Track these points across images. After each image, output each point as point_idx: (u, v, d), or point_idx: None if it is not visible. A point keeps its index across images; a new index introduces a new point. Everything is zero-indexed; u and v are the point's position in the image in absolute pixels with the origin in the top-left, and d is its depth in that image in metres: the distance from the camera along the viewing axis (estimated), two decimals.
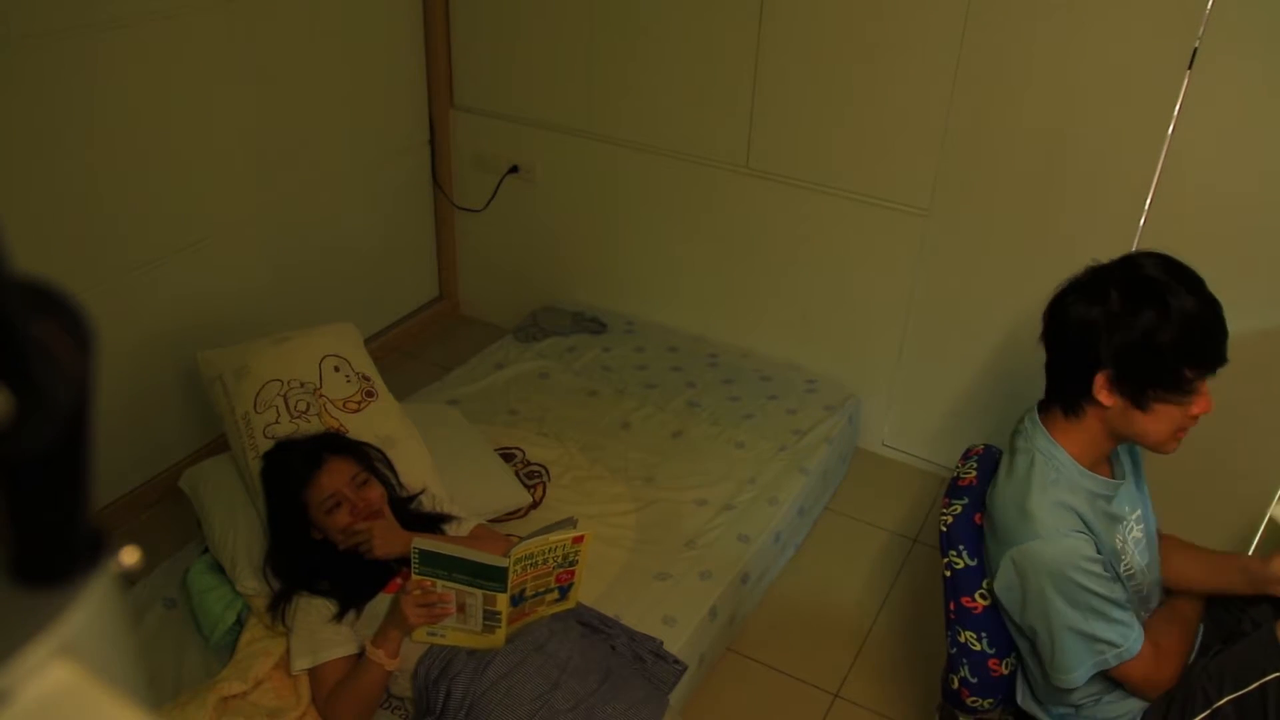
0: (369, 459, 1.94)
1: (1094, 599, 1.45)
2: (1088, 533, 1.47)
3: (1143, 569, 1.59)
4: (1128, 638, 1.46)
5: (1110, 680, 1.55)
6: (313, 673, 1.78)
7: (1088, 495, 1.50)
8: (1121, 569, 1.53)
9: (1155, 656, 1.50)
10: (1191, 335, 1.38)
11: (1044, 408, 1.56)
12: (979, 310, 2.59)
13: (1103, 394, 1.43)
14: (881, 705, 2.16)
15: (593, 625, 1.89)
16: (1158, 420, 1.43)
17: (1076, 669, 1.49)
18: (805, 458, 2.54)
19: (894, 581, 2.48)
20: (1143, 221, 2.30)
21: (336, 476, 1.83)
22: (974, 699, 1.66)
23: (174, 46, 2.32)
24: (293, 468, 1.86)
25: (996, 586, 1.55)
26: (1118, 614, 1.46)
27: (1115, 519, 1.55)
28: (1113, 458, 1.60)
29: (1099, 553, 1.47)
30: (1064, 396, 1.50)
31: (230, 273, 2.63)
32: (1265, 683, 1.40)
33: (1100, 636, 1.46)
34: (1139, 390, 1.41)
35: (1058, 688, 1.54)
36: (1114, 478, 1.56)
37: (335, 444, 1.92)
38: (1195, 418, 1.43)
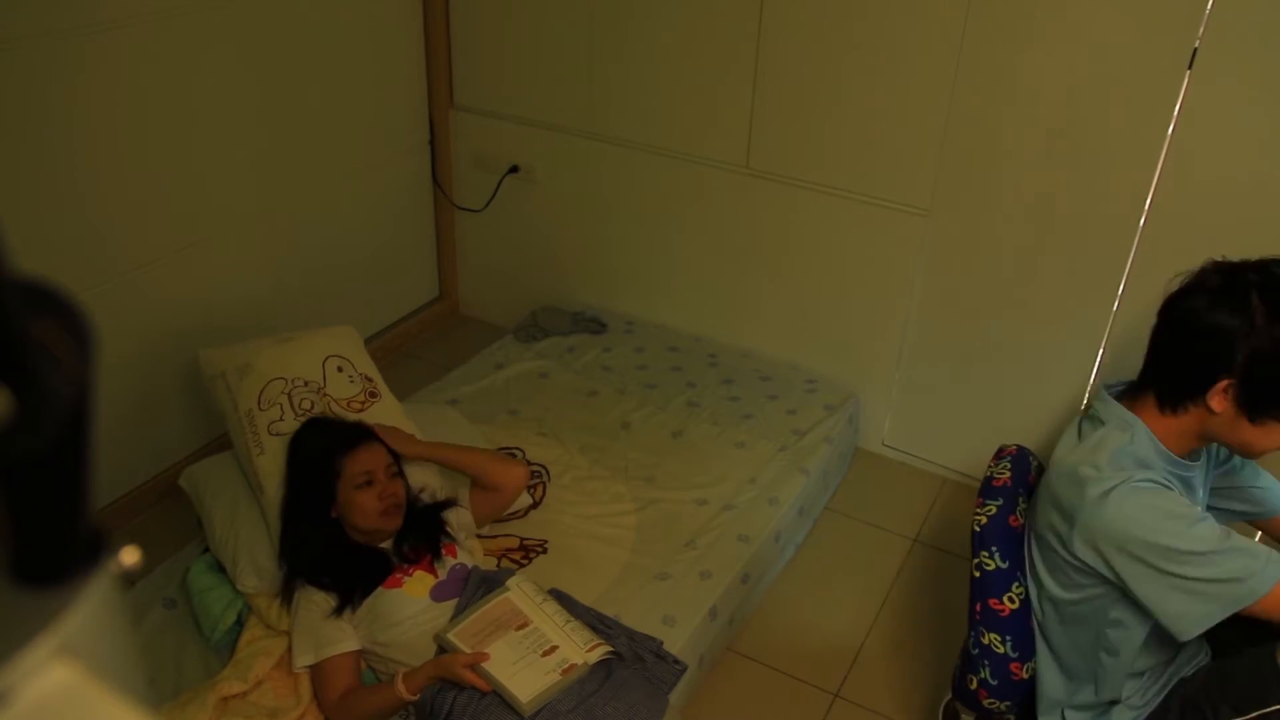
0: (398, 460, 1.97)
1: (1186, 535, 1.36)
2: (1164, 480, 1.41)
3: None
4: (1267, 557, 1.35)
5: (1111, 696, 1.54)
6: (315, 670, 1.78)
7: (1164, 464, 1.45)
8: None
9: None
10: None
11: (1135, 392, 1.50)
12: (979, 310, 2.59)
13: (1216, 399, 1.38)
14: (881, 705, 2.16)
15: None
16: (1265, 436, 1.39)
17: (1198, 621, 1.39)
18: (805, 458, 2.54)
19: (894, 581, 2.48)
20: (1143, 221, 2.30)
21: (376, 457, 1.88)
22: (991, 701, 1.65)
23: (174, 46, 2.32)
24: (335, 436, 1.91)
25: (1111, 566, 1.44)
26: (1230, 540, 1.36)
27: (1191, 489, 1.49)
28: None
29: (1175, 484, 1.39)
30: (1168, 391, 1.44)
31: (230, 273, 2.63)
32: (1267, 713, 1.40)
33: (1232, 573, 1.35)
34: (1256, 404, 1.37)
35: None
36: (1191, 460, 1.51)
37: (375, 433, 1.96)
38: None
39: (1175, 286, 1.44)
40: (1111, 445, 1.45)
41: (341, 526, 1.88)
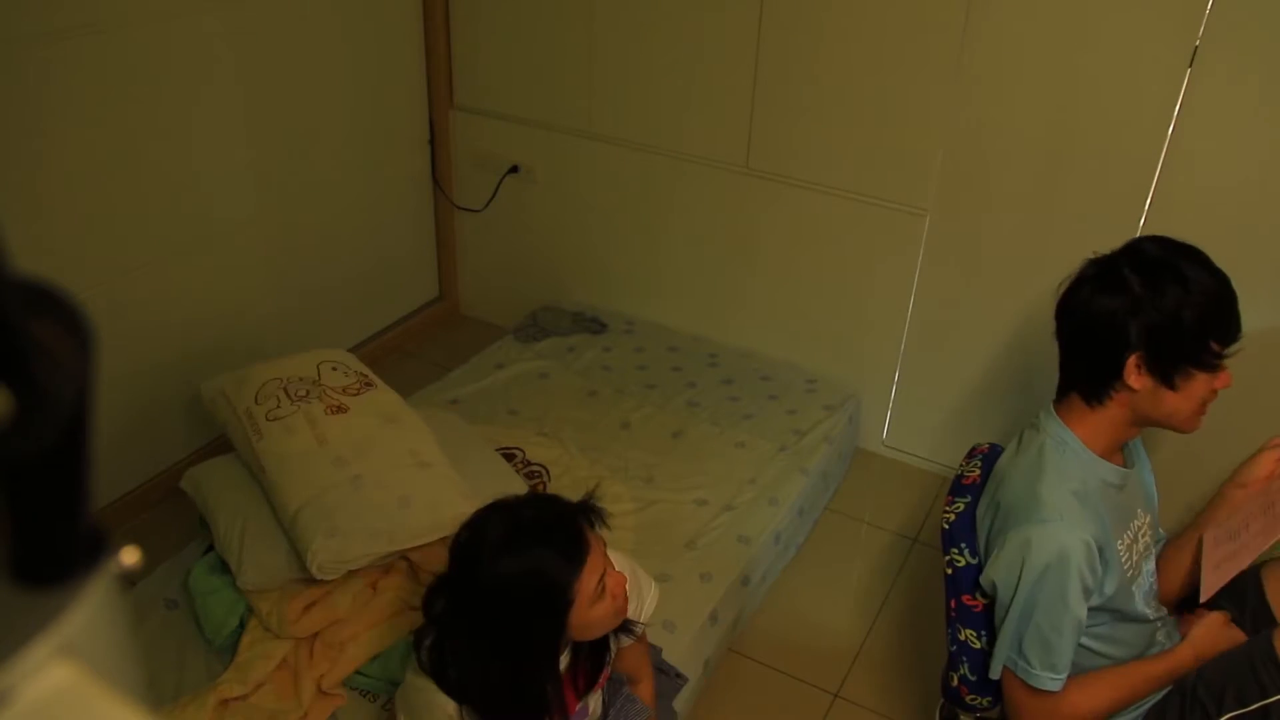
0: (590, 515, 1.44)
1: (1059, 607, 1.44)
2: (1095, 529, 1.46)
3: (1146, 572, 1.58)
4: (1050, 670, 1.47)
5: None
6: None
7: (1100, 485, 1.50)
8: (1125, 568, 1.52)
9: (1050, 710, 1.50)
10: (1213, 307, 1.42)
11: (1060, 398, 1.57)
12: (979, 310, 2.59)
13: (1133, 377, 1.44)
14: (881, 705, 2.16)
15: None
16: (1186, 398, 1.45)
17: (997, 660, 1.52)
18: (805, 458, 2.54)
19: (894, 581, 2.48)
20: (1143, 221, 2.30)
21: (598, 552, 1.38)
22: (973, 697, 1.66)
23: (173, 47, 2.32)
24: (551, 548, 1.33)
25: (997, 567, 1.52)
26: (1062, 644, 1.45)
27: (1127, 515, 1.54)
28: (1125, 450, 1.60)
29: (1097, 558, 1.46)
30: (1086, 385, 1.51)
31: (230, 273, 2.63)
32: (1268, 704, 1.40)
33: (1025, 649, 1.47)
34: (1169, 369, 1.43)
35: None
36: (1125, 466, 1.57)
37: (564, 506, 1.43)
38: (1216, 392, 1.47)
39: (1063, 288, 1.53)
40: (1050, 470, 1.50)
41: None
